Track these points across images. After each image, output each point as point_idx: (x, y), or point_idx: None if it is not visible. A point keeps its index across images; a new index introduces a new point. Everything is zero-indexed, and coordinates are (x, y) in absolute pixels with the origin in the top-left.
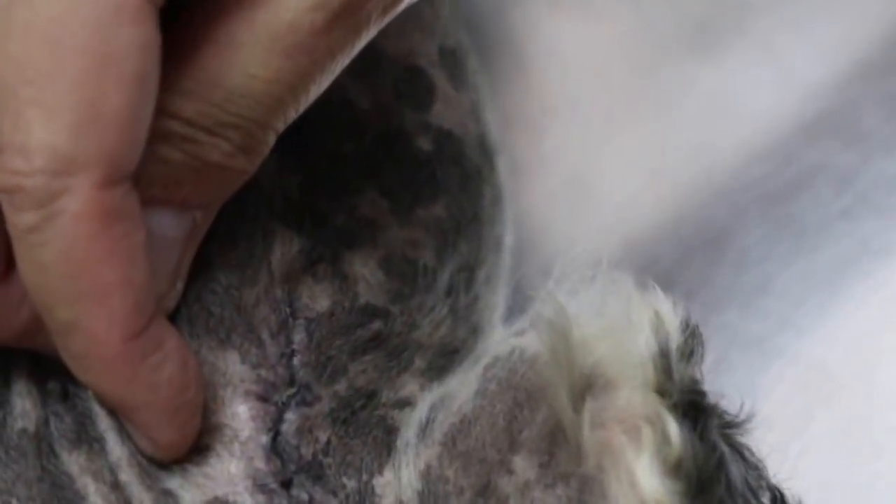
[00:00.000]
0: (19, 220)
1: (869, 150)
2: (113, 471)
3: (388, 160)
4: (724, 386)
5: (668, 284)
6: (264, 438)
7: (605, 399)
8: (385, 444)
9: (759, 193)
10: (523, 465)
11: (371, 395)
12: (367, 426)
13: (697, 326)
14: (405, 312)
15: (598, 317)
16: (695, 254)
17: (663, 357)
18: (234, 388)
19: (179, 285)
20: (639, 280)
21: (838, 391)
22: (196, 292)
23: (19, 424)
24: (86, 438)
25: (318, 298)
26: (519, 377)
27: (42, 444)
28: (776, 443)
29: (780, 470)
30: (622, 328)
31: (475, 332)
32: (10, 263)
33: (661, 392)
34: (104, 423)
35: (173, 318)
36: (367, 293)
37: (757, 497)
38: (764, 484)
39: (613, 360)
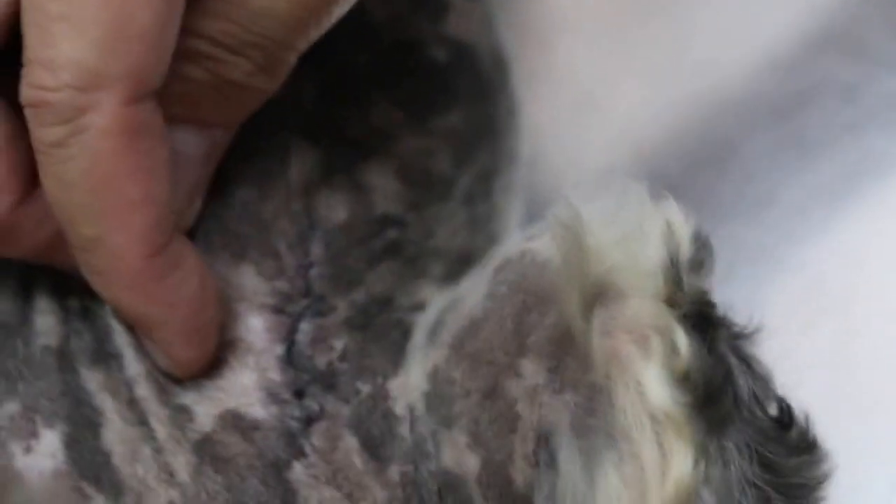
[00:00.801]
0: (44, 135)
1: (875, 66)
2: (130, 387)
3: (402, 71)
4: (727, 295)
5: (674, 195)
6: (279, 349)
7: (615, 308)
8: (401, 346)
9: (766, 107)
10: (531, 369)
11: (387, 301)
12: (384, 330)
13: (708, 238)
14: (421, 221)
15: (610, 225)
16: (701, 166)
17: (674, 268)
18: (248, 302)
19: (197, 202)
20: (652, 190)
21: (840, 301)
22: (212, 208)
23: (41, 341)
24: (104, 356)
25: (335, 209)
26: (529, 281)
27: (64, 359)
28: (779, 352)
29: (783, 379)
30: (634, 237)
31: (493, 240)
32: (33, 181)
33: (671, 303)
34: (122, 339)
35: (189, 234)
36: (383, 203)
37: (764, 409)
38: (771, 395)
39: (624, 269)
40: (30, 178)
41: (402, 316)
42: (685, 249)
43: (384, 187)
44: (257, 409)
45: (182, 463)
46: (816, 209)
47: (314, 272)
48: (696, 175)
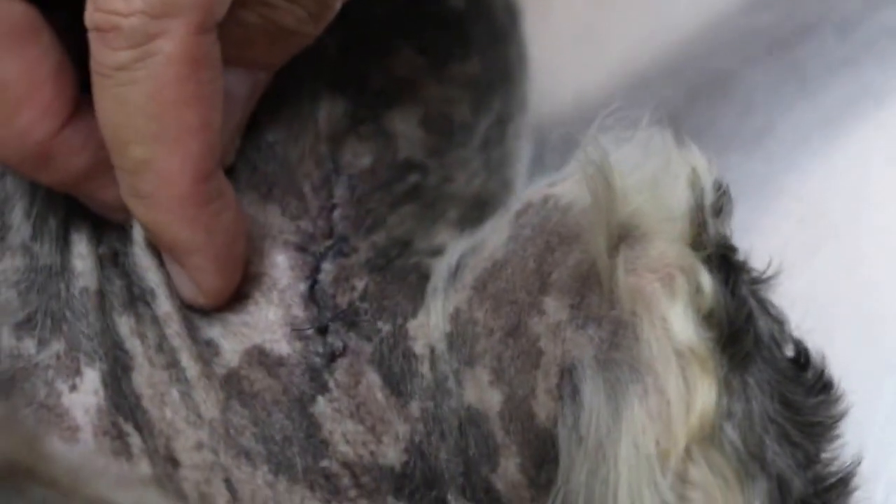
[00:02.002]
0: (110, 58)
1: (873, 0)
2: (161, 326)
3: (421, 19)
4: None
5: (674, 126)
6: (302, 286)
7: (641, 248)
8: (419, 289)
9: (765, 40)
10: (554, 306)
11: (407, 244)
12: (403, 272)
13: (728, 187)
14: (442, 166)
15: (637, 169)
16: (701, 97)
17: (698, 212)
18: (273, 239)
19: (238, 141)
20: (676, 135)
21: (837, 228)
22: (241, 148)
23: (80, 283)
24: (134, 300)
25: (360, 156)
26: (552, 223)
27: (104, 300)
28: (780, 278)
29: (783, 303)
30: (661, 181)
31: (506, 185)
32: (75, 110)
33: (695, 246)
34: (155, 277)
35: None
36: (406, 149)
37: (781, 349)
38: (787, 337)
39: (651, 211)
40: (72, 107)
41: (420, 259)
42: (709, 194)
43: (408, 134)
44: (282, 345)
45: (212, 399)
46: (815, 139)
47: (337, 214)
48: (695, 106)
